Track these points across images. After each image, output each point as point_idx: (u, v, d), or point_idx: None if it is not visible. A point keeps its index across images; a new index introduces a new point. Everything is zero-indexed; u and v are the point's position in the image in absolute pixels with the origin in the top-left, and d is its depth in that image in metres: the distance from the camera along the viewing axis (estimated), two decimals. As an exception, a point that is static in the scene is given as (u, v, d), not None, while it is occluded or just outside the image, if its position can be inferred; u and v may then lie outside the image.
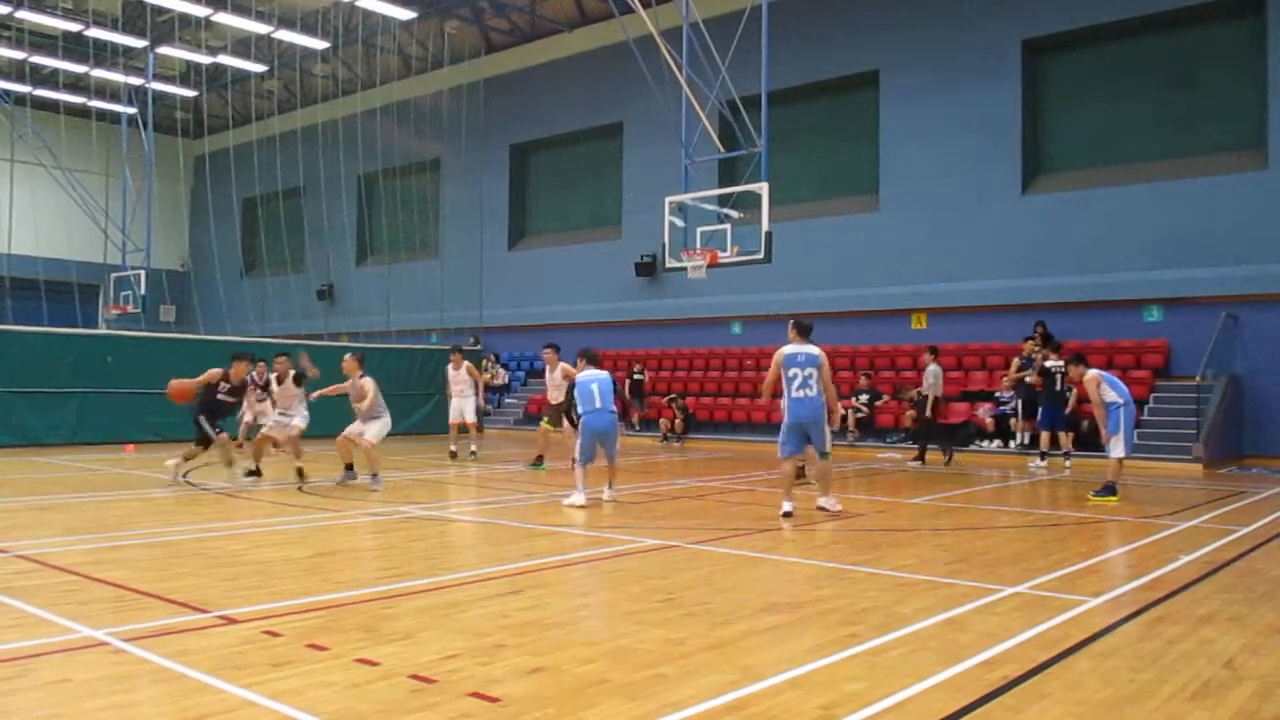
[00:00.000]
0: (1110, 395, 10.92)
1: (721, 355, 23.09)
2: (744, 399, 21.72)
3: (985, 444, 17.68)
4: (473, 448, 16.28)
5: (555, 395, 14.38)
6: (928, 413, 15.69)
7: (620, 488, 10.92)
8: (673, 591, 6.08)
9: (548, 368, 14.53)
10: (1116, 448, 10.90)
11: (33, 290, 28.39)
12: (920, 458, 15.86)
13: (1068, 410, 15.03)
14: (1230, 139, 17.82)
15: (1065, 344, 18.37)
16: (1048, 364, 14.94)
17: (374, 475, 11.25)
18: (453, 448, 16.22)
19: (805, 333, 9.54)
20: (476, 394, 16.24)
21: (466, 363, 16.34)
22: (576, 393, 10.32)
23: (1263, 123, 17.18)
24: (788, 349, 9.39)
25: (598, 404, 10.13)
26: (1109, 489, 10.92)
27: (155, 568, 6.65)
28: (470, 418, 16.05)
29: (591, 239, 26.65)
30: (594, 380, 10.24)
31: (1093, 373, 11.13)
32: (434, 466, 15.06)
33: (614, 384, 10.37)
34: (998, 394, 17.95)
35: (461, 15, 26.98)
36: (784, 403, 9.42)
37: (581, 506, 9.85)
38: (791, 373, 9.28)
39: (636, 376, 21.97)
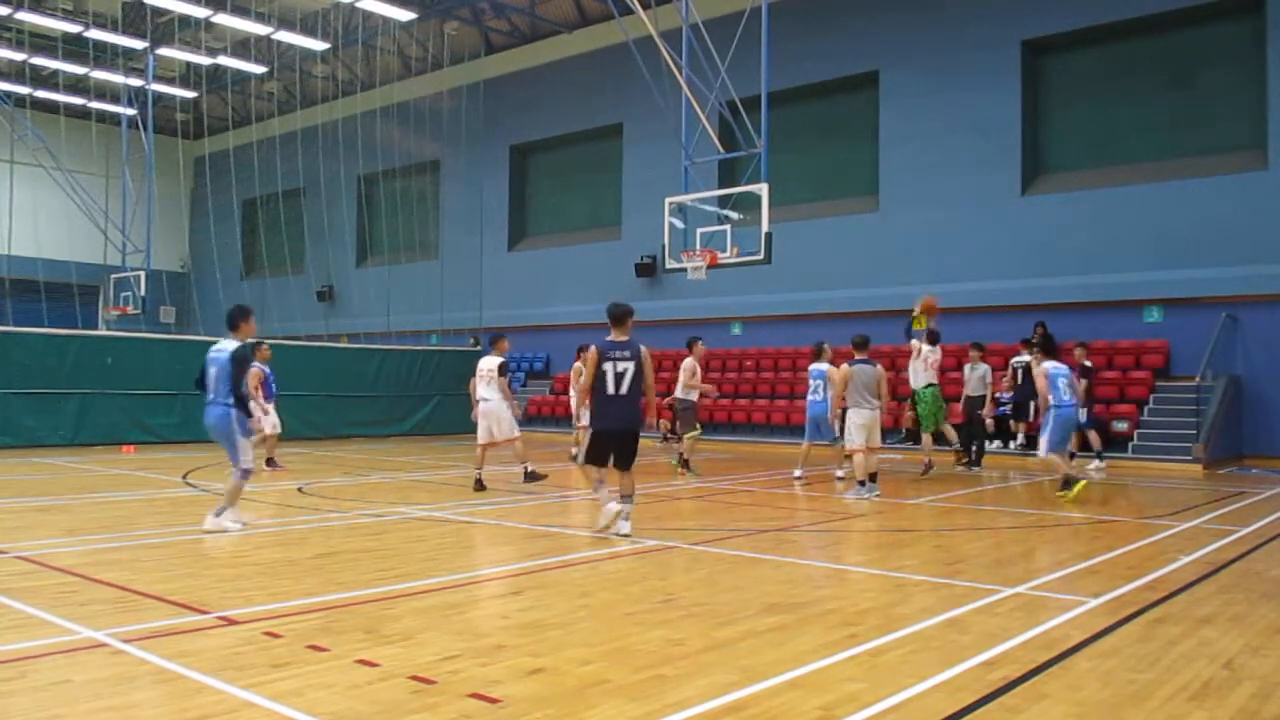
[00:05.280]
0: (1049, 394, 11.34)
1: (721, 356, 23.08)
2: (744, 400, 21.73)
3: (985, 445, 17.64)
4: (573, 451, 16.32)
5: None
6: (980, 412, 15.40)
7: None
8: (673, 592, 6.08)
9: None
10: (1043, 446, 11.46)
11: (33, 291, 28.38)
12: (976, 460, 15.47)
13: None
14: (1230, 139, 17.82)
15: (1063, 345, 18.42)
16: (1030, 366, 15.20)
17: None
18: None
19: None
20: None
21: None
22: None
23: (1263, 123, 17.18)
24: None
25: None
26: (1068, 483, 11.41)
27: (155, 568, 6.65)
28: None
29: (591, 239, 26.65)
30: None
31: (1046, 365, 11.57)
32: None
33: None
34: (998, 394, 17.93)
35: (461, 16, 26.98)
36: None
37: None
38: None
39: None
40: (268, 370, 14.10)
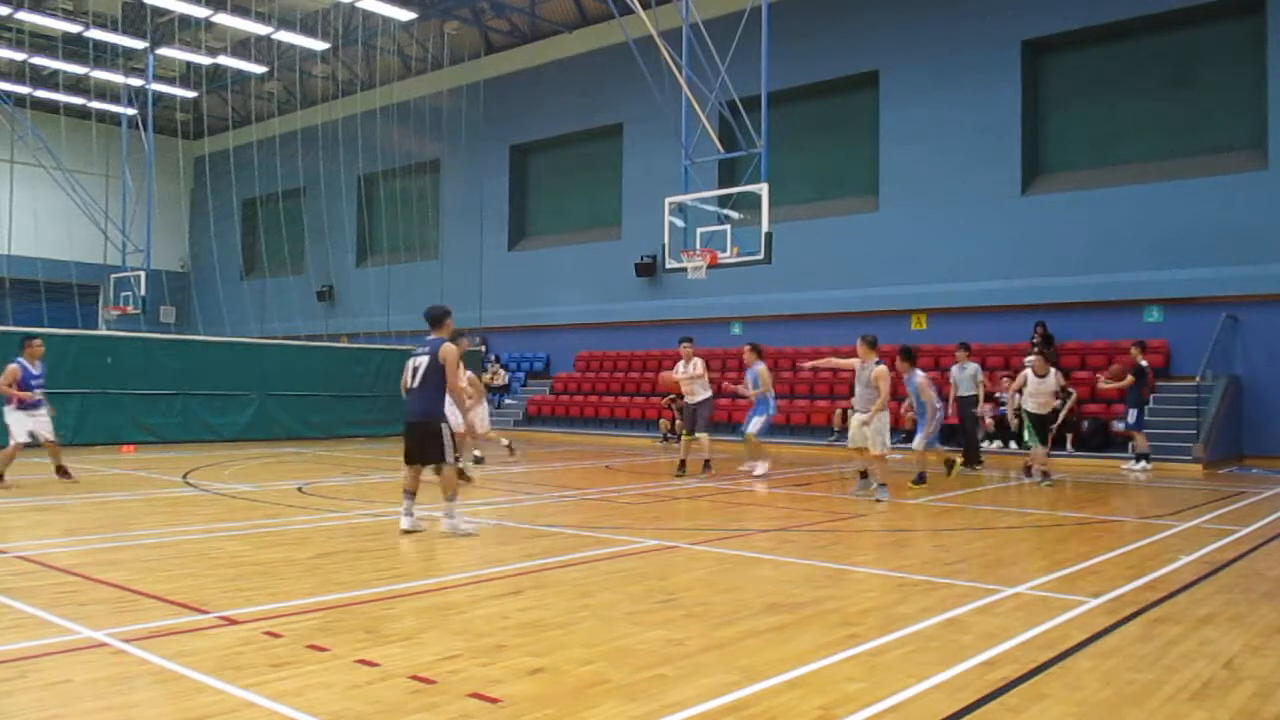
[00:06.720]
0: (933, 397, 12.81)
1: (721, 356, 23.06)
2: (744, 400, 21.69)
3: (985, 445, 17.65)
4: (476, 453, 14.81)
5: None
6: (974, 410, 15.27)
7: (621, 488, 10.87)
8: (673, 592, 6.08)
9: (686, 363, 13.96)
10: (919, 441, 12.92)
11: (33, 291, 28.38)
12: (976, 460, 15.22)
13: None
14: (1230, 139, 17.82)
15: (1062, 344, 18.46)
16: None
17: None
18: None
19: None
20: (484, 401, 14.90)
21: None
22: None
23: (1263, 123, 17.18)
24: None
25: None
26: (921, 477, 12.51)
27: (155, 568, 6.65)
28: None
29: (591, 239, 26.65)
30: None
31: (924, 376, 12.78)
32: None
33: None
34: (997, 394, 17.94)
35: (461, 16, 26.98)
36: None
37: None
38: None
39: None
40: (30, 368, 11.85)
